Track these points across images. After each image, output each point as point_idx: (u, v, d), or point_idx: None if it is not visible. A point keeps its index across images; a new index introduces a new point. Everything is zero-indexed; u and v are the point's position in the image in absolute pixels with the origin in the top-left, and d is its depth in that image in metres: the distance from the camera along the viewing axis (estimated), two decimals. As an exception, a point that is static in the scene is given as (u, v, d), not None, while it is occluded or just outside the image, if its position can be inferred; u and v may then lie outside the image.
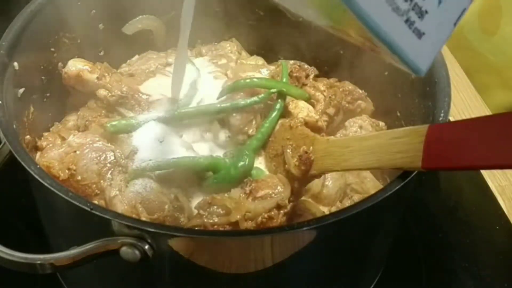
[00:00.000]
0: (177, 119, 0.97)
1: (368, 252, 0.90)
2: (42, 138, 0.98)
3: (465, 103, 1.38)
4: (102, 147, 0.91)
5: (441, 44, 0.58)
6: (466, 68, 1.47)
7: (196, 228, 0.82)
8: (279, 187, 0.88)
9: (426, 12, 0.54)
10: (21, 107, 0.91)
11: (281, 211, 0.86)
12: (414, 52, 0.56)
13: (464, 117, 1.31)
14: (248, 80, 1.02)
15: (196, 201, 0.88)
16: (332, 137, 0.99)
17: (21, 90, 0.90)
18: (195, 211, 0.87)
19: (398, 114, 1.01)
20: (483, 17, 1.49)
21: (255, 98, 1.00)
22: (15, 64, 0.88)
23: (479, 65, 1.51)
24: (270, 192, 0.87)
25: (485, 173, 1.22)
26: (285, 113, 1.01)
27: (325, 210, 0.93)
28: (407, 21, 0.53)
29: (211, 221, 0.82)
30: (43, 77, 0.98)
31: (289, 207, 0.87)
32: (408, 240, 1.09)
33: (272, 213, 0.85)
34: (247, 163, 0.91)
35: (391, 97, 1.02)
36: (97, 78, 1.01)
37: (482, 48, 1.50)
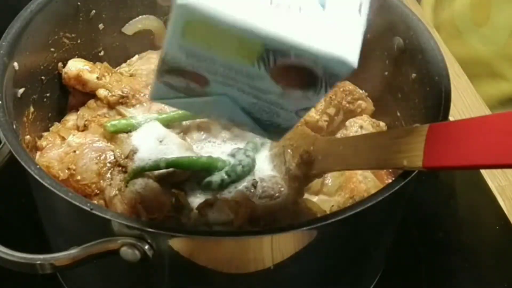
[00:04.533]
0: (177, 119, 0.97)
1: (368, 252, 0.90)
2: (42, 138, 0.97)
3: (465, 103, 1.38)
4: (102, 146, 0.91)
5: None
6: (457, 59, 1.47)
7: (196, 228, 0.82)
8: (283, 189, 0.88)
9: None
10: (21, 107, 0.90)
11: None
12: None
13: (464, 117, 1.31)
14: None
15: (196, 201, 0.88)
16: (333, 137, 0.99)
17: (21, 90, 0.90)
18: (196, 212, 0.86)
19: (398, 114, 1.01)
20: (475, 8, 1.49)
21: (255, 99, 1.00)
22: (15, 64, 0.87)
23: (469, 57, 1.51)
24: (275, 195, 0.87)
25: (485, 173, 1.21)
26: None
27: (327, 201, 0.93)
28: None
29: (213, 223, 0.82)
30: (43, 77, 0.98)
31: (291, 210, 0.87)
32: (408, 240, 1.09)
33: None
34: (250, 162, 0.91)
35: (391, 97, 1.02)
36: (97, 78, 1.01)
37: (472, 39, 1.51)
